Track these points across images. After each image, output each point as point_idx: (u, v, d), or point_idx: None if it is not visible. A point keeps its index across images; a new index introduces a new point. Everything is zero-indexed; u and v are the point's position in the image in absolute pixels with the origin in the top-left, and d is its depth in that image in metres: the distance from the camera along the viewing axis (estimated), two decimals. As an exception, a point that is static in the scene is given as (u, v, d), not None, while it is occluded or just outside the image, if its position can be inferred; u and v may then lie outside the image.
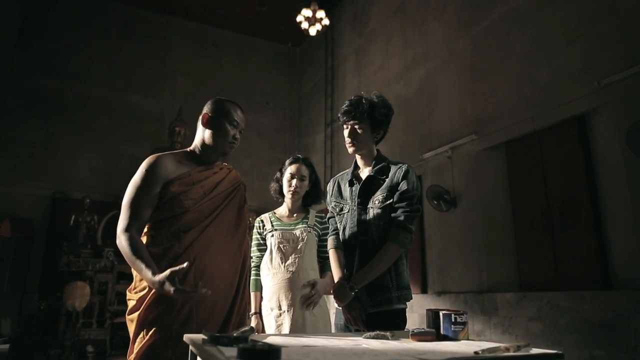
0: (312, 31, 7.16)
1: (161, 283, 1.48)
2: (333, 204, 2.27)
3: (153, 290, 1.61)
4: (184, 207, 1.71)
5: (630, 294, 3.55)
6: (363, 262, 2.02)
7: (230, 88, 8.81)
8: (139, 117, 8.52)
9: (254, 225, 2.69)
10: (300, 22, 7.10)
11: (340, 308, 2.05)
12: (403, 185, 2.04)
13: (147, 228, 1.75)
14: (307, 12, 6.98)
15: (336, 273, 2.13)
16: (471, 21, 5.53)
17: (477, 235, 5.04)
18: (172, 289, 1.45)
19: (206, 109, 1.90)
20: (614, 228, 3.87)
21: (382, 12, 7.42)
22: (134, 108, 8.56)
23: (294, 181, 2.61)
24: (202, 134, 1.89)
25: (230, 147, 1.88)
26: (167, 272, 1.48)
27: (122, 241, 1.63)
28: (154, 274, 1.53)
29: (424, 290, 5.61)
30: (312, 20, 7.07)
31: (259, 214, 2.78)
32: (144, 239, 1.74)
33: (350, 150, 2.17)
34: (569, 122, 4.28)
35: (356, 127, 2.13)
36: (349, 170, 2.28)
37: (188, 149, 1.94)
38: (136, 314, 1.64)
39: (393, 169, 2.12)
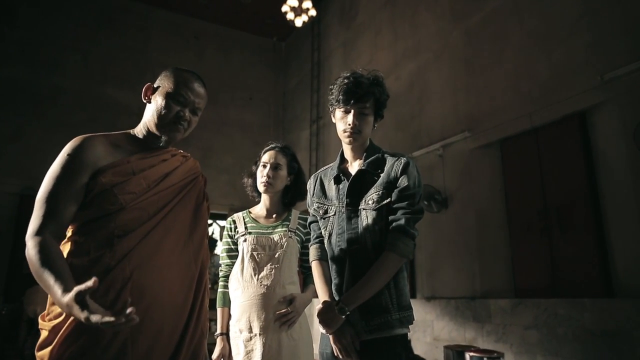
0: (298, 22, 6.85)
1: (69, 306, 1.07)
2: (315, 205, 1.87)
3: (72, 318, 1.22)
4: (119, 203, 1.32)
5: (634, 302, 3.34)
6: (355, 276, 1.64)
7: (212, 82, 8.34)
8: (115, 111, 8.09)
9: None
10: (286, 13, 6.79)
11: (327, 334, 1.67)
12: (403, 181, 1.68)
13: (70, 232, 1.35)
14: (293, 1, 6.67)
15: (322, 291, 1.74)
16: (465, 13, 5.28)
17: (469, 238, 4.80)
18: (82, 316, 1.04)
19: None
20: (616, 231, 3.64)
21: (371, 4, 7.15)
22: (110, 101, 8.14)
23: (266, 170, 2.21)
24: (145, 112, 1.51)
25: (172, 129, 1.46)
26: (73, 291, 1.04)
27: (29, 248, 1.22)
28: (64, 290, 1.10)
29: (412, 295, 5.35)
30: (298, 11, 6.76)
31: None
32: (65, 248, 1.34)
33: (348, 140, 1.76)
34: (569, 119, 4.04)
35: (363, 110, 1.73)
36: (334, 165, 1.87)
37: (130, 131, 1.52)
38: (47, 349, 1.23)
39: (389, 161, 1.75)
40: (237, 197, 8.03)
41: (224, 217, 8.18)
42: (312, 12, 6.89)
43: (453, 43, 5.41)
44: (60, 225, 1.28)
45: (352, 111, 1.73)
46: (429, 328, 4.95)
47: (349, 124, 1.73)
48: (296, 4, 6.72)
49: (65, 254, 1.31)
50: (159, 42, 8.83)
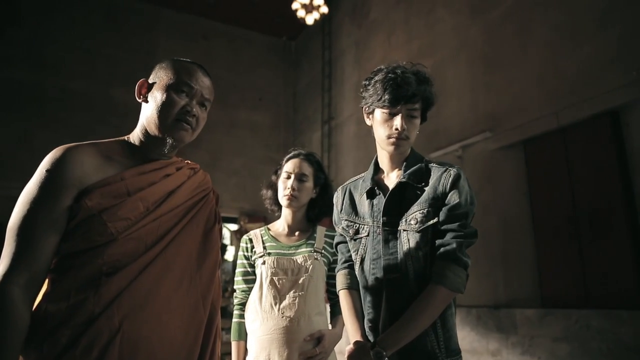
0: (309, 20, 6.65)
1: None
2: (344, 223, 1.57)
3: None
4: (109, 233, 1.04)
5: (678, 315, 3.09)
6: (393, 312, 1.36)
7: (221, 83, 8.28)
8: (122, 112, 7.94)
9: (239, 246, 1.97)
10: (296, 10, 6.58)
11: None
12: (453, 198, 1.38)
13: None
14: (303, -2, 6.48)
15: (352, 328, 1.44)
16: (484, 8, 5.05)
17: (491, 244, 4.56)
18: None
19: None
20: (655, 238, 3.40)
21: (384, 1, 6.93)
22: (117, 103, 8.00)
23: (290, 182, 1.90)
24: (142, 113, 1.23)
25: (178, 127, 1.17)
26: None
27: None
28: None
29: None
30: (309, 8, 6.55)
31: (250, 217, 2.16)
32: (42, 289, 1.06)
33: (393, 147, 1.47)
34: (600, 118, 3.79)
35: (412, 112, 1.45)
36: (366, 175, 1.59)
37: (125, 137, 1.24)
38: None
39: (435, 172, 1.46)
40: (247, 200, 7.87)
41: (234, 221, 8.00)
42: (324, 9, 6.68)
43: (472, 39, 5.17)
44: (36, 266, 1.02)
45: (400, 114, 1.44)
46: (448, 338, 4.73)
47: (397, 128, 1.43)
48: (307, 1, 6.51)
49: (40, 297, 1.07)
50: (166, 42, 8.70)
